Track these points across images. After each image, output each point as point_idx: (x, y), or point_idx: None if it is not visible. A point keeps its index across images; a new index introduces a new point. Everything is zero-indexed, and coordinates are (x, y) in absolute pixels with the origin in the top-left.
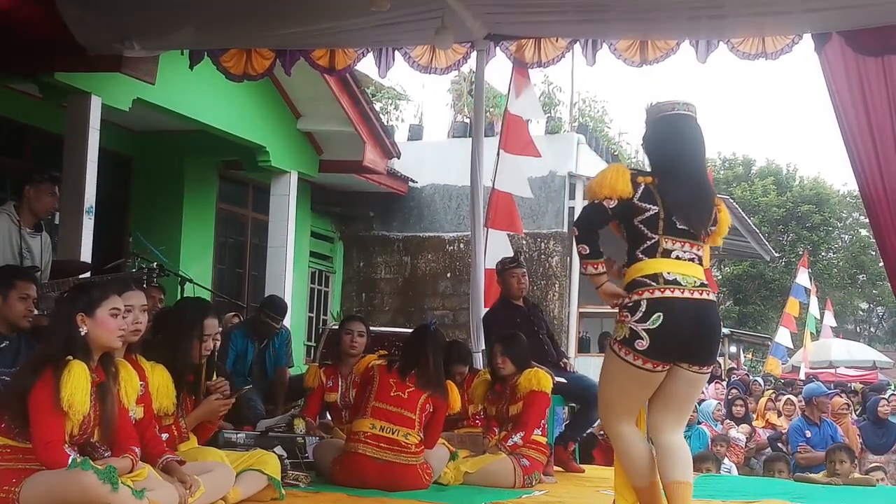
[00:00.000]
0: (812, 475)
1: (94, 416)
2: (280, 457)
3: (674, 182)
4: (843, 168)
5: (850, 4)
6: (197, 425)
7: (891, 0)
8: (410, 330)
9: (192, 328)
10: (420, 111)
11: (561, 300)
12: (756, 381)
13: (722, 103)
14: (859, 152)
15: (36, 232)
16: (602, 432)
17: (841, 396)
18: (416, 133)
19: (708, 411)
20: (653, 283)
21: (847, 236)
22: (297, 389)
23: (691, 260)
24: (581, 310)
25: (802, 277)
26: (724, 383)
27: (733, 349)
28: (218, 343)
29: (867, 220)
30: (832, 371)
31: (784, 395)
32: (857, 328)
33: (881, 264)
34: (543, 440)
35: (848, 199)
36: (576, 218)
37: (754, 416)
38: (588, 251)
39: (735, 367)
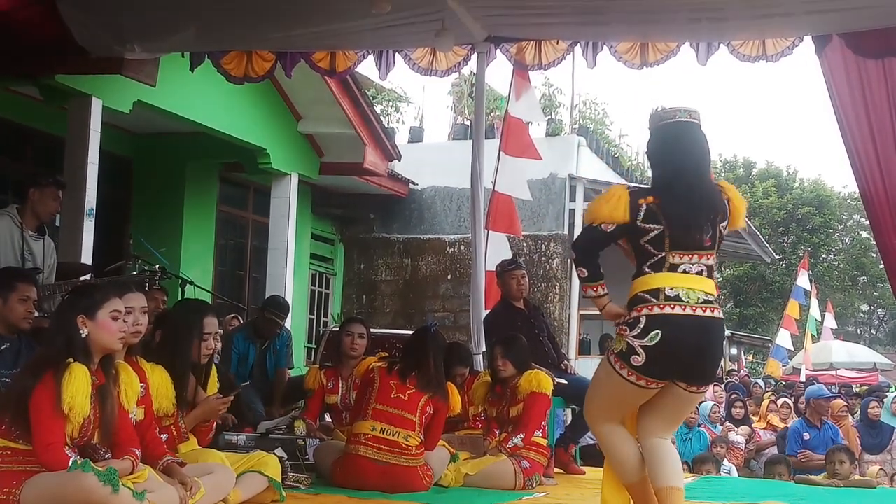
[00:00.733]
0: (812, 477)
1: (95, 419)
2: (280, 458)
3: (675, 196)
4: (843, 170)
5: (850, 7)
6: (195, 426)
7: (891, 2)
8: (411, 332)
9: (191, 328)
10: (421, 113)
11: (561, 302)
12: (757, 383)
13: (722, 105)
14: (860, 154)
15: (39, 235)
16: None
17: (841, 399)
18: (416, 135)
19: (705, 413)
20: (653, 300)
21: (848, 238)
22: (298, 391)
23: (700, 273)
24: (581, 312)
25: (802, 279)
26: (723, 386)
27: (734, 351)
28: (219, 343)
29: (868, 222)
30: (833, 373)
31: (783, 397)
32: (858, 330)
33: (882, 266)
34: (544, 442)
35: (848, 201)
36: (573, 240)
37: (756, 418)
38: (587, 274)
39: (735, 368)
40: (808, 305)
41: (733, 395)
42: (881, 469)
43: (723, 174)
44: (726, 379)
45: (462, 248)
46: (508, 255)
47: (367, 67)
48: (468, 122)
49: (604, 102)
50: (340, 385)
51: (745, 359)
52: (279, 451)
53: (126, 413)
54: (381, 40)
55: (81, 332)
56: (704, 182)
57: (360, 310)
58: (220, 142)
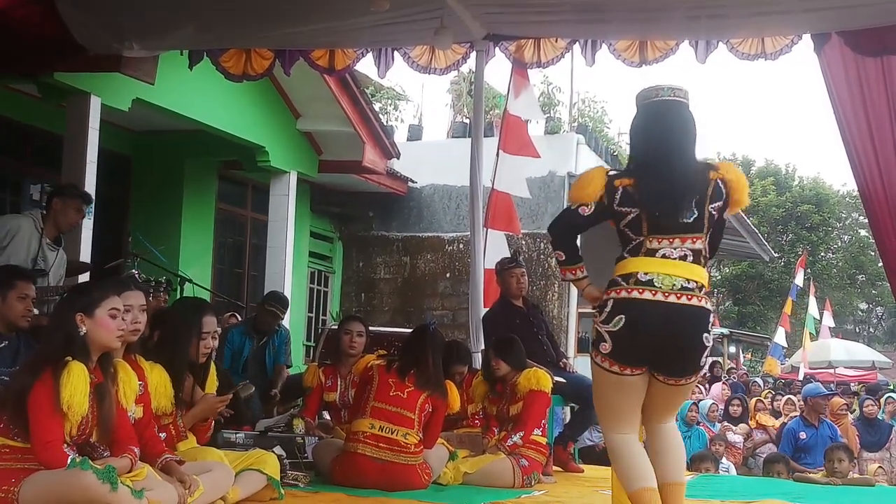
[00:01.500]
0: (811, 475)
1: (93, 417)
2: (279, 457)
3: (653, 178)
4: (842, 168)
5: (848, 5)
6: (193, 425)
7: (890, 0)
8: (410, 330)
9: (190, 327)
10: (419, 111)
11: (560, 300)
12: (755, 381)
13: (721, 104)
14: (858, 152)
15: (55, 245)
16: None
17: (841, 397)
18: (415, 133)
19: (703, 411)
20: (623, 284)
21: (846, 236)
22: (297, 389)
23: (683, 258)
24: (580, 310)
25: (799, 278)
26: (729, 384)
27: (732, 349)
28: (216, 342)
29: (866, 221)
30: (831, 371)
31: (783, 395)
32: (857, 328)
33: (880, 264)
34: (543, 440)
35: (847, 199)
36: (550, 223)
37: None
38: (564, 257)
39: (734, 367)
40: (806, 303)
41: (731, 394)
42: (880, 467)
43: None
44: (724, 377)
45: (461, 246)
46: (507, 254)
47: (366, 65)
48: (467, 120)
49: (603, 100)
50: (339, 383)
51: (744, 357)
52: (278, 449)
53: (124, 411)
54: (380, 38)
55: (80, 329)
56: (686, 162)
57: (359, 308)
58: (218, 140)
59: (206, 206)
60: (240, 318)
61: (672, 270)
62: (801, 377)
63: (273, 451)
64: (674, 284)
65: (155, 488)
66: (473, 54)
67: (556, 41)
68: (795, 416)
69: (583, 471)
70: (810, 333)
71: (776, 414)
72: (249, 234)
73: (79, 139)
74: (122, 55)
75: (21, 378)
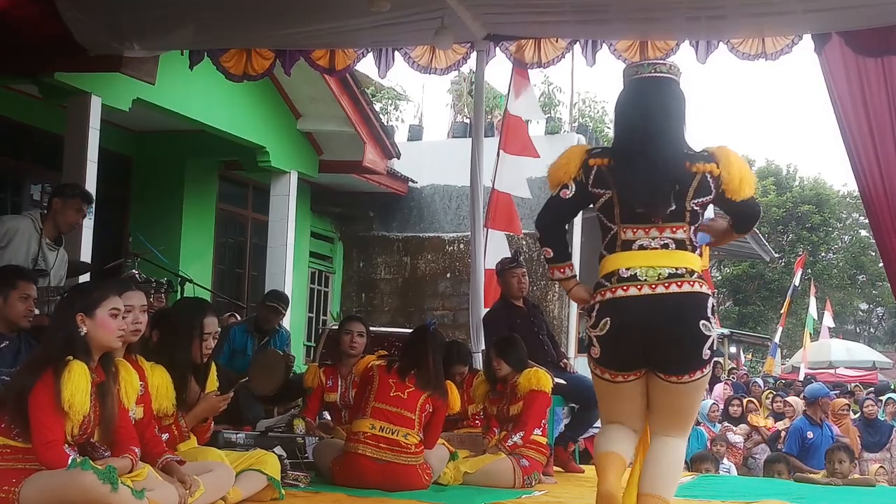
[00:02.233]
0: (812, 475)
1: (94, 417)
2: (280, 457)
3: (629, 161)
4: (842, 168)
5: (849, 5)
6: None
7: (890, 0)
8: (410, 330)
9: (191, 328)
10: (420, 111)
11: (561, 300)
12: (756, 381)
13: (722, 104)
14: (859, 153)
15: (55, 245)
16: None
17: (845, 397)
18: (415, 133)
19: (703, 412)
20: (606, 284)
21: (847, 237)
22: (297, 389)
23: (665, 246)
24: (581, 310)
25: (796, 278)
26: (731, 384)
27: (733, 350)
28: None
29: (867, 221)
30: (832, 371)
31: (783, 395)
32: (857, 329)
33: (881, 265)
34: (543, 440)
35: (848, 199)
36: (537, 216)
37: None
38: (552, 254)
39: (735, 367)
40: (806, 303)
41: (730, 392)
42: (881, 467)
43: None
44: (724, 377)
45: (461, 246)
46: (508, 254)
47: (367, 65)
48: (467, 121)
49: (603, 100)
50: (339, 383)
51: (745, 357)
52: (278, 450)
53: (125, 411)
54: (381, 38)
55: (81, 329)
56: (666, 148)
57: (360, 308)
58: (219, 140)
59: (206, 206)
60: (240, 318)
61: (655, 261)
62: (801, 377)
63: (273, 452)
64: (659, 274)
65: (155, 488)
66: (474, 54)
67: (557, 41)
68: (793, 417)
69: (583, 471)
70: (810, 334)
71: (777, 416)
72: (250, 235)
73: (79, 139)
74: (122, 55)
75: (22, 378)
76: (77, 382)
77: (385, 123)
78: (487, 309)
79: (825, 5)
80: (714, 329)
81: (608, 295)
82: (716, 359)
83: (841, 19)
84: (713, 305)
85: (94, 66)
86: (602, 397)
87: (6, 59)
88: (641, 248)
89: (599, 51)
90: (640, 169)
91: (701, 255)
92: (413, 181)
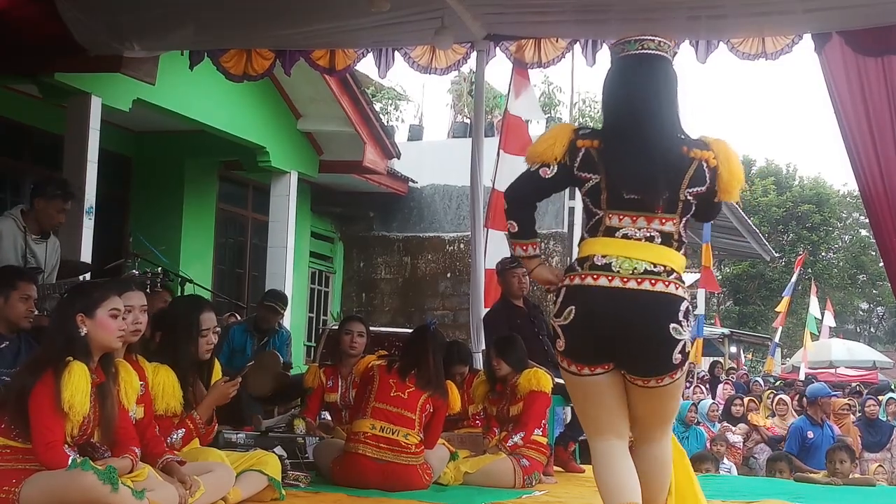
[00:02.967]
0: (812, 475)
1: (94, 417)
2: (280, 457)
3: (620, 144)
4: (843, 168)
5: (849, 5)
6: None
7: (891, 0)
8: (410, 330)
9: (189, 326)
10: (420, 111)
11: None
12: (756, 381)
13: (722, 103)
14: (859, 152)
15: (42, 238)
16: None
17: (846, 397)
18: (416, 133)
19: (703, 411)
20: (578, 269)
21: (847, 236)
22: (297, 389)
23: (649, 238)
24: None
25: (794, 277)
26: (733, 384)
27: (733, 349)
28: (217, 337)
29: (867, 220)
30: (832, 371)
31: (781, 394)
32: (857, 328)
33: (881, 264)
34: (544, 440)
35: (848, 199)
36: (507, 187)
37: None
38: (516, 229)
39: (735, 367)
40: (807, 303)
41: (731, 392)
42: (880, 466)
43: None
44: (724, 377)
45: (461, 246)
46: (508, 254)
47: (367, 65)
48: (468, 120)
49: None
50: (340, 383)
51: (745, 357)
52: (279, 450)
53: (126, 411)
54: (381, 38)
55: (80, 330)
56: (660, 131)
57: (360, 308)
58: (219, 140)
59: (206, 206)
60: (239, 318)
61: (634, 253)
62: (801, 377)
63: (274, 452)
64: (635, 268)
65: (156, 489)
66: (474, 54)
67: (557, 41)
68: (785, 416)
69: (583, 471)
70: (811, 333)
71: (771, 414)
72: (250, 235)
73: (79, 139)
74: (122, 55)
75: (22, 378)
76: (77, 383)
77: (385, 123)
78: (487, 309)
79: (825, 5)
80: (686, 333)
81: (576, 280)
82: (716, 358)
83: (841, 19)
84: (688, 309)
85: (94, 66)
86: (574, 397)
87: (6, 59)
88: (625, 237)
89: (599, 51)
90: (631, 152)
91: (686, 253)
92: (413, 181)
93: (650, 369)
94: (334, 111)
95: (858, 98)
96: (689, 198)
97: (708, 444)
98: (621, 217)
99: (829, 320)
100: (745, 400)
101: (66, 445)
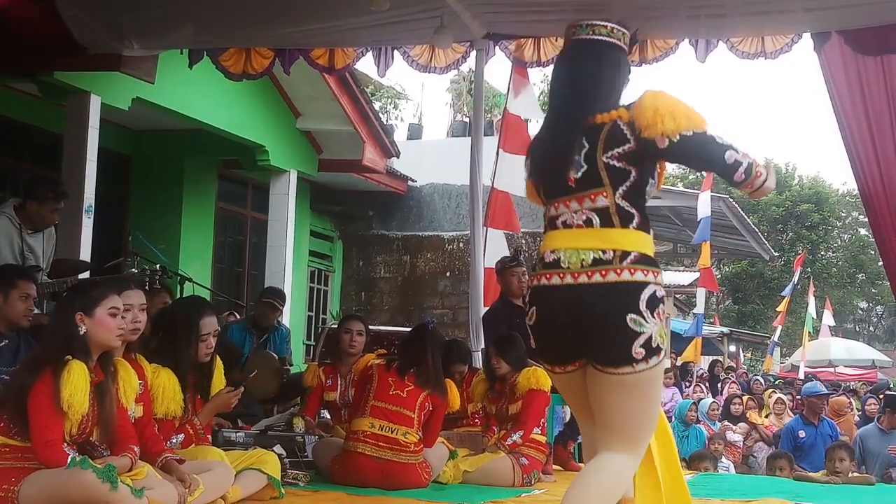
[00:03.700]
0: (811, 474)
1: (93, 416)
2: (279, 456)
3: (539, 132)
4: (842, 167)
5: (849, 4)
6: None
7: (890, 0)
8: (409, 329)
9: (189, 329)
10: (419, 110)
11: None
12: (757, 379)
13: (721, 102)
14: (858, 151)
15: (36, 232)
16: None
17: (845, 396)
18: (415, 132)
19: (703, 410)
20: (536, 268)
21: (846, 235)
22: (296, 388)
23: (588, 222)
24: None
25: (795, 276)
26: (738, 383)
27: (732, 348)
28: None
29: (866, 220)
30: (831, 370)
31: (784, 394)
32: (857, 327)
33: (880, 263)
34: (543, 439)
35: (847, 198)
36: None
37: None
38: None
39: (734, 366)
40: (806, 302)
41: (731, 391)
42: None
43: None
44: (723, 375)
45: (461, 245)
46: (507, 252)
47: (366, 64)
48: (467, 119)
49: None
50: (339, 382)
51: (744, 356)
52: (278, 449)
53: (125, 410)
54: (380, 37)
55: (80, 329)
56: (573, 112)
57: (359, 307)
58: (218, 139)
59: (206, 205)
60: (239, 317)
61: (578, 243)
62: (801, 376)
63: (273, 451)
64: (583, 260)
65: (155, 487)
66: (473, 53)
67: (556, 40)
68: (781, 415)
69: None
70: (809, 332)
71: (767, 412)
72: (249, 233)
73: (79, 138)
74: (121, 54)
75: (21, 377)
76: (76, 382)
77: (384, 122)
78: (487, 308)
79: (824, 4)
80: (650, 322)
81: (534, 282)
82: (715, 358)
83: (840, 18)
84: (652, 295)
85: (94, 65)
86: (562, 393)
87: (6, 59)
88: (565, 224)
89: None
90: (545, 135)
91: (645, 238)
92: (412, 180)
93: (613, 360)
94: (334, 110)
95: (858, 97)
96: (614, 163)
97: (707, 443)
98: (557, 204)
99: (829, 319)
100: (745, 398)
101: (66, 444)
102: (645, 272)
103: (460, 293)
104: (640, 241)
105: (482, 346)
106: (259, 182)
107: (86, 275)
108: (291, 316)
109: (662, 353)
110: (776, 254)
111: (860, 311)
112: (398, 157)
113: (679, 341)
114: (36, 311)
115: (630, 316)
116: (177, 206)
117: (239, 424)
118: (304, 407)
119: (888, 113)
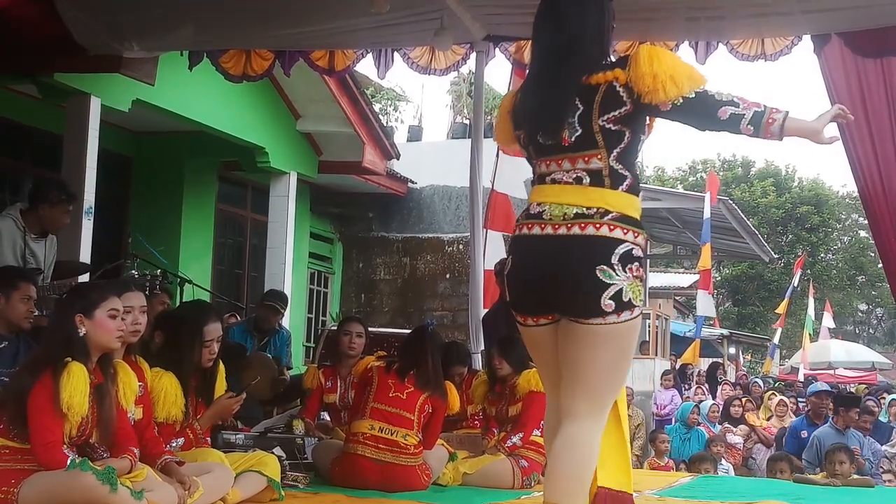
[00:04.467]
0: (811, 476)
1: (93, 418)
2: (279, 458)
3: (527, 88)
4: (842, 169)
5: (848, 6)
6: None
7: (889, 1)
8: (409, 331)
9: (192, 334)
10: (419, 112)
11: None
12: (756, 381)
13: None
14: (858, 153)
15: (40, 237)
16: None
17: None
18: (415, 134)
19: (704, 412)
20: (519, 219)
21: (846, 237)
22: (296, 390)
23: (578, 180)
24: None
25: (795, 279)
26: (738, 385)
27: (732, 350)
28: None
29: (866, 222)
30: (831, 372)
31: (786, 396)
32: (856, 329)
33: (880, 266)
34: (542, 441)
35: (847, 200)
36: None
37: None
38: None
39: (734, 367)
40: (805, 304)
41: (731, 393)
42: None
43: (721, 173)
44: (721, 378)
45: (460, 246)
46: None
47: (366, 66)
48: (467, 121)
49: None
50: (339, 384)
51: (744, 358)
52: (278, 451)
53: (124, 412)
54: (380, 39)
55: (79, 331)
56: (571, 61)
57: (359, 309)
58: (218, 140)
59: (205, 206)
60: (239, 319)
61: (564, 198)
62: (801, 378)
63: (273, 453)
64: (565, 213)
65: (155, 489)
66: (473, 55)
67: None
68: (783, 417)
69: None
70: (809, 334)
71: (767, 414)
72: (249, 235)
73: (79, 140)
74: (122, 56)
75: (21, 379)
76: (75, 384)
77: (384, 124)
78: (486, 309)
79: (824, 6)
80: (621, 276)
81: (516, 231)
82: (716, 360)
83: (840, 20)
84: (628, 252)
85: (94, 66)
86: (531, 350)
87: (6, 59)
88: (554, 181)
89: None
90: (538, 92)
91: (632, 200)
92: (412, 182)
93: (578, 312)
94: (333, 112)
95: (858, 99)
96: (609, 126)
97: (708, 445)
98: (548, 162)
99: (828, 321)
100: (743, 400)
101: (65, 446)
102: (624, 231)
103: (460, 295)
104: (626, 203)
105: (482, 347)
106: (259, 184)
107: (85, 277)
108: (291, 318)
109: (637, 310)
110: (776, 256)
111: (860, 314)
112: (398, 159)
113: (680, 343)
114: (36, 313)
115: (600, 267)
116: (177, 207)
117: (238, 426)
118: (303, 409)
119: (888, 115)
